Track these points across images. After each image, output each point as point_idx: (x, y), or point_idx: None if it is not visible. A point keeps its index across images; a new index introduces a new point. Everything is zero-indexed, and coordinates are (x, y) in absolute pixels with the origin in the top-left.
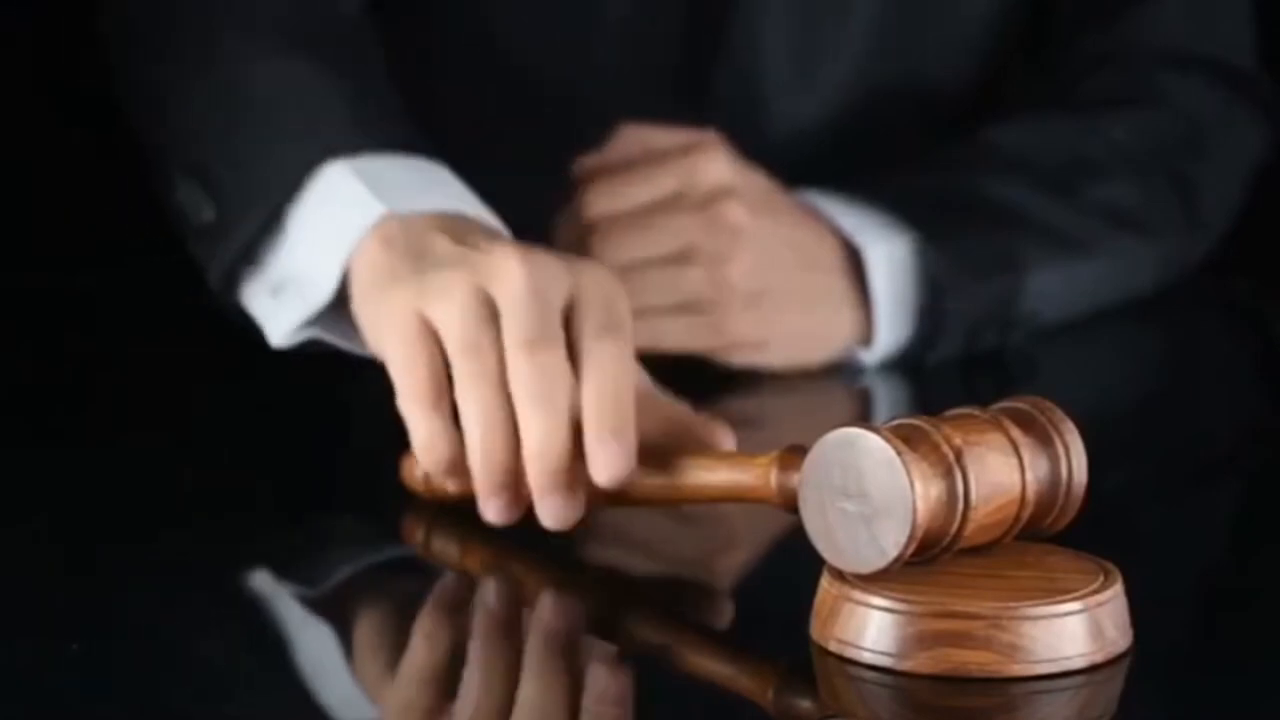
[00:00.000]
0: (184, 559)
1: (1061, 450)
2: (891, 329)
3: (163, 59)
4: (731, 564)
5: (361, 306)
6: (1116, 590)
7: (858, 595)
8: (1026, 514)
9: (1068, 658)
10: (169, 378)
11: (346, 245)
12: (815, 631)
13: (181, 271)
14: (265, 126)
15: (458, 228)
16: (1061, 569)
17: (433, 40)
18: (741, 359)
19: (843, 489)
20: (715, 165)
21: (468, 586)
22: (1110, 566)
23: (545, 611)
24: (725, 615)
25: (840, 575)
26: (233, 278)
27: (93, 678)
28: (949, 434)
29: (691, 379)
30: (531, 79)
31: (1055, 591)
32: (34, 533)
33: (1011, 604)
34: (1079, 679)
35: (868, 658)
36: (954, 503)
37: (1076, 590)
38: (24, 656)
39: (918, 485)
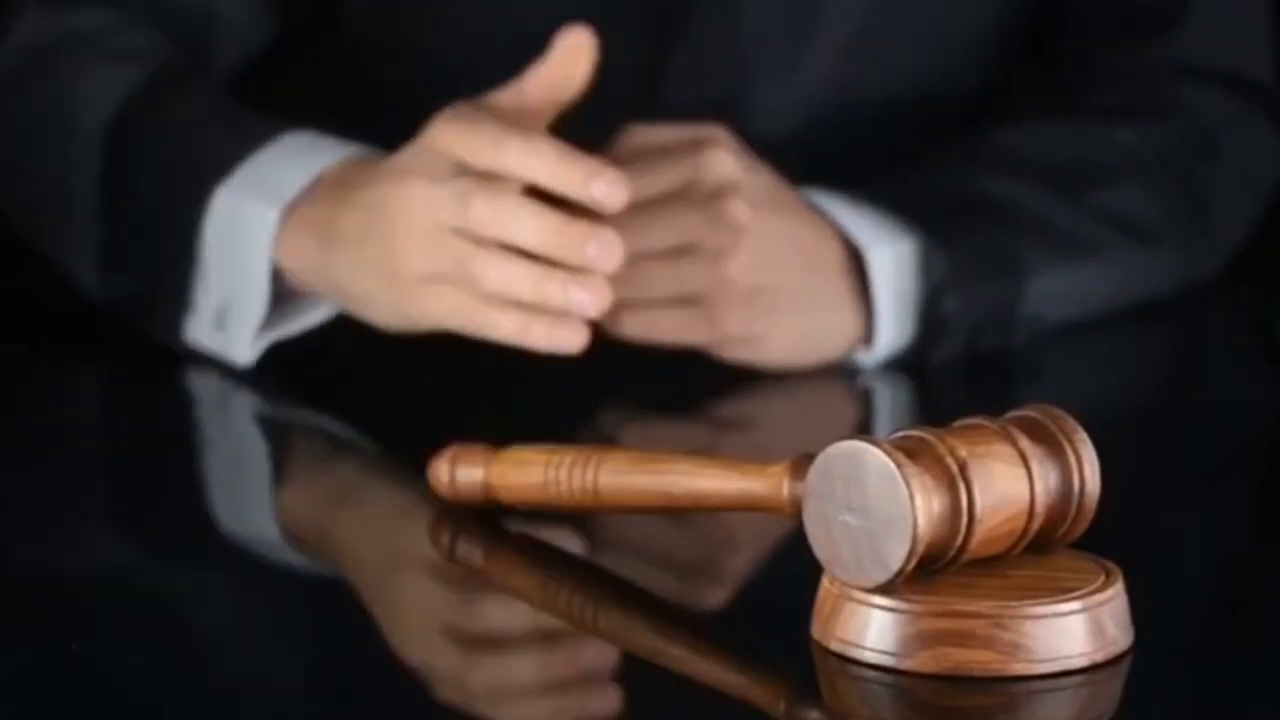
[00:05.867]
0: (185, 558)
1: (1073, 460)
2: (892, 330)
3: (34, 172)
4: (731, 564)
5: (315, 281)
6: (1118, 589)
7: (859, 595)
8: (1036, 525)
9: (1069, 657)
10: (169, 377)
11: (263, 254)
12: (816, 631)
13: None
14: (147, 184)
15: (351, 171)
16: (1063, 568)
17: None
18: (736, 355)
19: (845, 502)
20: (721, 161)
21: (475, 587)
22: (1111, 566)
23: (546, 611)
24: (725, 615)
25: None
26: (175, 330)
27: (93, 678)
28: (953, 445)
29: (690, 380)
30: (485, 82)
31: (1056, 591)
32: (34, 532)
33: (1013, 603)
34: (1080, 678)
35: (869, 657)
36: (957, 517)
37: (1078, 589)
38: (24, 656)
39: (919, 499)
